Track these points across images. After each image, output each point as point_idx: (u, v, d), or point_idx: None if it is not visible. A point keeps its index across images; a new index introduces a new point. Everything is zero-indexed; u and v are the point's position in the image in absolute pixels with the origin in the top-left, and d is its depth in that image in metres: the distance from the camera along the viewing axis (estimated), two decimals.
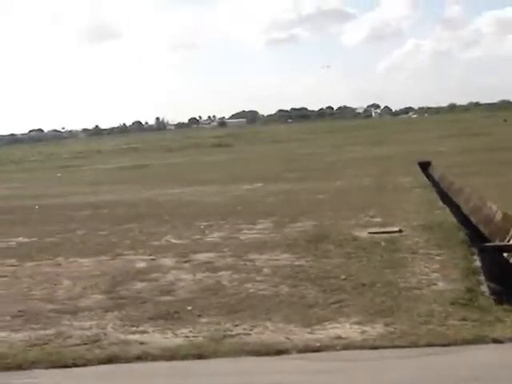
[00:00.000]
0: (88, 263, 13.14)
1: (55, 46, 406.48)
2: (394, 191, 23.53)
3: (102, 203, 25.07)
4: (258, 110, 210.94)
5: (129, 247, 14.61)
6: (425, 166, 33.99)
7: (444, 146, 47.72)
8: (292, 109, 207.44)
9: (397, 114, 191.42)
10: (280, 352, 7.23)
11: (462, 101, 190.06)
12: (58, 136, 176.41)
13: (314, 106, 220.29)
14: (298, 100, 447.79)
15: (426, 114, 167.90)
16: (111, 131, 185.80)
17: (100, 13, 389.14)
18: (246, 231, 16.02)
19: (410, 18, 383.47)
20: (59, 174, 50.51)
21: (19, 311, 9.74)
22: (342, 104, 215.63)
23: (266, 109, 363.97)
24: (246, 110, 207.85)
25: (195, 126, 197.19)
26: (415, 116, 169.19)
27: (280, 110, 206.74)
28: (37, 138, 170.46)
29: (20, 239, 17.02)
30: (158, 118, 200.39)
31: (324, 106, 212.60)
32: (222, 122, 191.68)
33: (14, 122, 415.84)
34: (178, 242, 15.10)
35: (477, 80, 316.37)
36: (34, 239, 16.83)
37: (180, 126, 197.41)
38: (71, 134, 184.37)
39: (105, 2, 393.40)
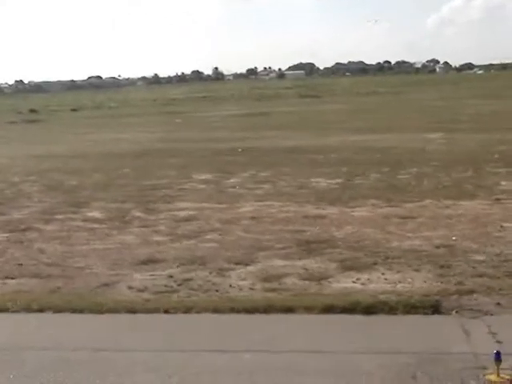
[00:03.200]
0: (474, 206, 12.37)
1: None
2: None
3: (306, 148, 24.16)
4: (314, 63, 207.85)
5: (481, 191, 13.75)
6: None
7: None
8: (349, 62, 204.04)
9: (459, 69, 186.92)
10: None
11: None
12: (116, 83, 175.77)
13: (368, 59, 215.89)
14: (348, 54, 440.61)
15: (492, 71, 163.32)
16: (170, 80, 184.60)
17: None
18: None
19: None
20: (178, 120, 49.74)
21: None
22: (399, 59, 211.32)
23: (321, 61, 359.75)
24: (303, 62, 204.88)
25: (253, 76, 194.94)
26: (481, 72, 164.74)
27: (337, 63, 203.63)
28: (96, 84, 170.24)
29: (321, 179, 16.30)
30: (216, 68, 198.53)
31: (381, 60, 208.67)
32: (281, 74, 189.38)
33: (73, 68, 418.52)
34: None
35: None
36: (338, 181, 16.09)
37: (237, 76, 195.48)
38: (129, 82, 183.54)
39: None
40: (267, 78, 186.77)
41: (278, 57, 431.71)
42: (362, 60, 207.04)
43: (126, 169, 20.04)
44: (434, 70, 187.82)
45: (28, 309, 7.31)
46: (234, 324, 6.76)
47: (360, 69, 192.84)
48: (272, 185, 15.82)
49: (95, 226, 11.93)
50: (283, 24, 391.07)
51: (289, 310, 6.98)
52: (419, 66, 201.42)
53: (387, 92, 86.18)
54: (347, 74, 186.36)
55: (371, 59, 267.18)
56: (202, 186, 16.13)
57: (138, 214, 12.87)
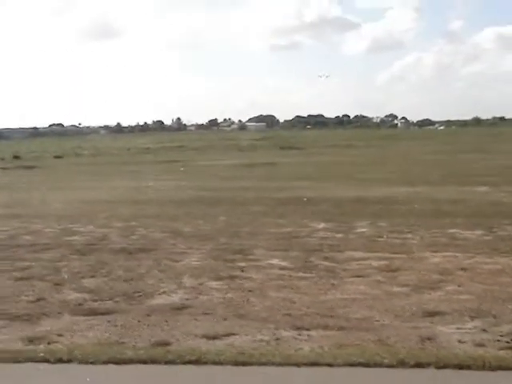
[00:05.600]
0: None
1: (69, 42, 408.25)
2: None
3: (373, 199, 23.67)
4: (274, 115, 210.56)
5: None
6: None
7: None
8: (309, 115, 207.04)
9: (419, 125, 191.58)
10: None
11: (467, 115, 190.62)
12: (78, 131, 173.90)
13: (327, 113, 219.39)
14: (307, 107, 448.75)
15: (454, 127, 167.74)
16: (132, 129, 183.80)
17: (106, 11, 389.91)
18: None
19: (413, 31, 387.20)
20: (182, 168, 49.14)
21: None
22: (357, 113, 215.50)
23: (281, 114, 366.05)
24: (263, 114, 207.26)
25: (215, 127, 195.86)
26: (442, 128, 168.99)
27: (297, 116, 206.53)
28: (58, 132, 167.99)
29: (459, 230, 15.87)
30: (178, 119, 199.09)
31: (340, 114, 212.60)
32: (243, 126, 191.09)
33: (35, 115, 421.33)
34: None
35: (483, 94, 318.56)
36: (479, 232, 15.60)
37: (198, 127, 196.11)
38: (91, 130, 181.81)
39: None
40: (229, 129, 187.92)
41: (238, 109, 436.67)
42: (321, 113, 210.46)
43: (220, 217, 19.29)
44: (396, 125, 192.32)
45: (379, 364, 6.69)
46: None
47: (320, 122, 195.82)
48: (415, 235, 15.34)
49: (299, 274, 11.27)
50: (234, 75, 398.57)
51: None
52: (378, 120, 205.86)
53: (366, 145, 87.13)
54: (308, 126, 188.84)
55: (330, 113, 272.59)
56: (340, 236, 15.57)
57: (322, 262, 12.26)
